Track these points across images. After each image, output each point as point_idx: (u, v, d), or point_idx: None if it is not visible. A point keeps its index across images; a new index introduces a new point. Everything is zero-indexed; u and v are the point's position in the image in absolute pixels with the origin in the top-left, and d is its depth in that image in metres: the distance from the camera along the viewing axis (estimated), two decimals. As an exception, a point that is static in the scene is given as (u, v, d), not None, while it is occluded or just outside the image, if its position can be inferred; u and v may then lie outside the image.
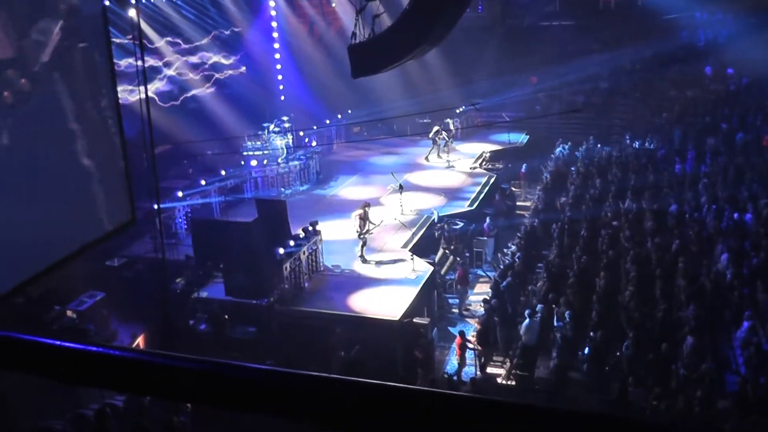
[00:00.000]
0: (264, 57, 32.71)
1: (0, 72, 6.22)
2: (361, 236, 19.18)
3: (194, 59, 28.10)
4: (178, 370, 1.45)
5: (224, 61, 29.46)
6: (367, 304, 17.20)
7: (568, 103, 33.72)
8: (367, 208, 19.34)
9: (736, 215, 19.07)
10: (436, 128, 29.36)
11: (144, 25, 22.50)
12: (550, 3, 41.71)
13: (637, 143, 28.72)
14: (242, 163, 26.58)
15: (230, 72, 30.10)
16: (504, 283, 17.45)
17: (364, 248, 19.35)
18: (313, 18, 36.55)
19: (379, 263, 19.15)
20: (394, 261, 19.16)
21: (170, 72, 26.91)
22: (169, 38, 27.04)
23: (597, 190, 23.16)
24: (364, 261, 19.13)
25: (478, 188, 25.95)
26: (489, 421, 1.22)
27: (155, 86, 25.62)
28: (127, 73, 21.41)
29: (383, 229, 20.52)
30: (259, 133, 26.98)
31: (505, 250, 21.25)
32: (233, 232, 18.29)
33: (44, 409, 13.25)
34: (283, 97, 33.08)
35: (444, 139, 29.44)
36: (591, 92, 35.09)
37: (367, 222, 19.19)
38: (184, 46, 27.66)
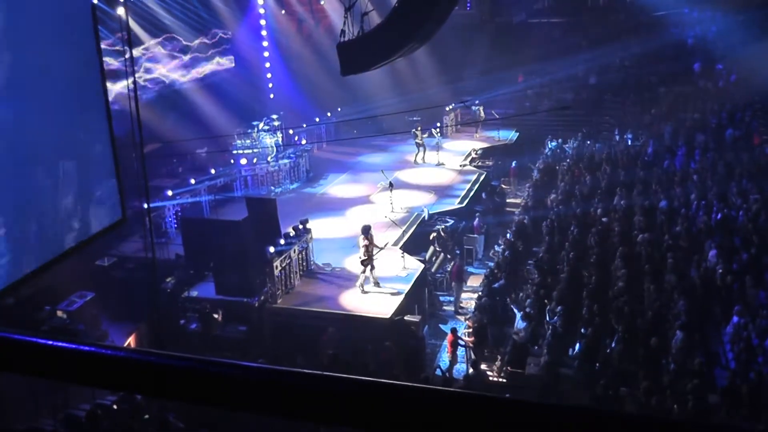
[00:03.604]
0: (253, 55, 32.67)
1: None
2: (365, 263, 17.24)
3: (183, 58, 28.03)
4: (170, 369, 1.45)
5: (213, 60, 29.39)
6: (358, 302, 17.19)
7: (558, 99, 33.77)
8: (368, 234, 17.28)
9: (725, 211, 19.13)
10: (414, 130, 28.61)
11: (133, 24, 22.40)
12: (539, 0, 41.81)
13: (628, 139, 28.81)
14: (232, 161, 26.53)
15: (219, 70, 30.05)
16: (496, 284, 17.44)
17: (365, 275, 17.48)
18: (302, 16, 36.51)
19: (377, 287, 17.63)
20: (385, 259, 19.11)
21: (159, 71, 26.82)
22: (158, 37, 26.95)
23: (587, 187, 23.22)
24: (364, 291, 17.43)
25: (468, 185, 25.96)
26: (481, 417, 1.22)
27: (144, 85, 25.52)
28: (117, 72, 21.37)
29: (374, 227, 20.29)
30: (249, 131, 26.92)
31: (495, 247, 21.30)
32: (223, 231, 18.24)
33: (35, 409, 13.21)
34: (272, 95, 33.01)
35: (421, 139, 28.92)
36: (580, 89, 35.18)
37: (372, 246, 17.23)
38: (173, 44, 27.57)
